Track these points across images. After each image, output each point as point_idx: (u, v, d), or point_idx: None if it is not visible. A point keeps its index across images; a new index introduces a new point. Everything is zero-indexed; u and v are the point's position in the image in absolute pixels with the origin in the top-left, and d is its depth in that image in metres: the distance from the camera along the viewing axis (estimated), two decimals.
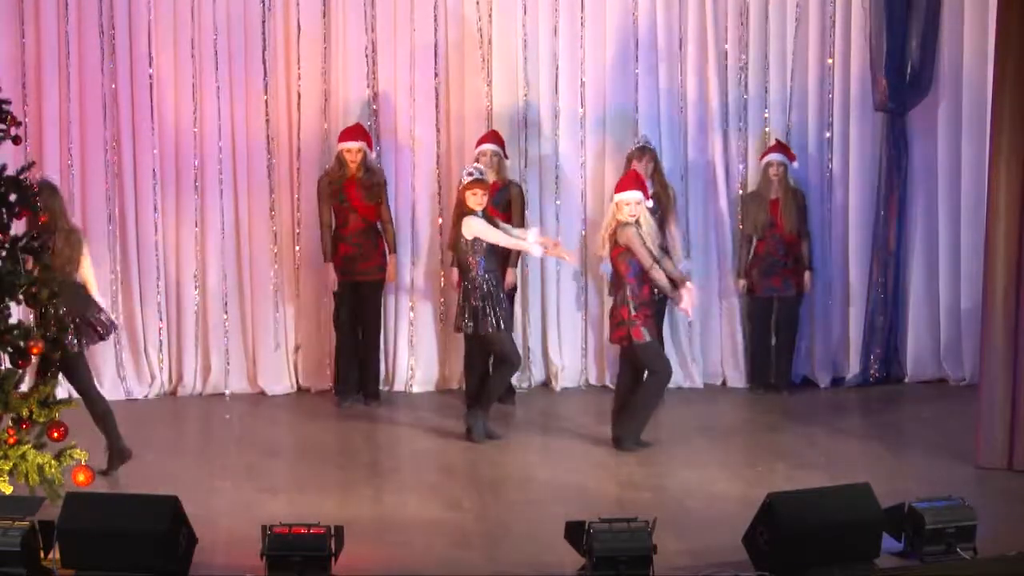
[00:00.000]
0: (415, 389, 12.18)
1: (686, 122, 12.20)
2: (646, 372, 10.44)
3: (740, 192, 12.21)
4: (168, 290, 11.98)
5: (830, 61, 12.19)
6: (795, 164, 11.98)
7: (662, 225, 11.58)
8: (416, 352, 12.18)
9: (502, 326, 10.61)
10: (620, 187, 10.43)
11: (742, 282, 12.08)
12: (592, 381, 12.33)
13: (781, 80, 12.23)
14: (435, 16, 11.96)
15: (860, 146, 12.21)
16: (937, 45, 12.11)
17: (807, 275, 12.00)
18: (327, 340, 12.03)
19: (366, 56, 11.97)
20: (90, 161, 11.78)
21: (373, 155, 11.69)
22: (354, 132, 11.53)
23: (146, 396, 11.94)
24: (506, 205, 11.50)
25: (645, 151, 11.63)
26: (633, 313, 10.25)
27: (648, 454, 10.46)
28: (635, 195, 10.29)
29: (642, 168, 11.50)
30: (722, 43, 12.18)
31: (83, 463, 8.99)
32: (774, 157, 11.89)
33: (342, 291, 11.61)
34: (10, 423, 8.98)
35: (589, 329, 12.27)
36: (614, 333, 10.42)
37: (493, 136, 11.67)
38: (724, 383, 12.36)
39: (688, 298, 10.34)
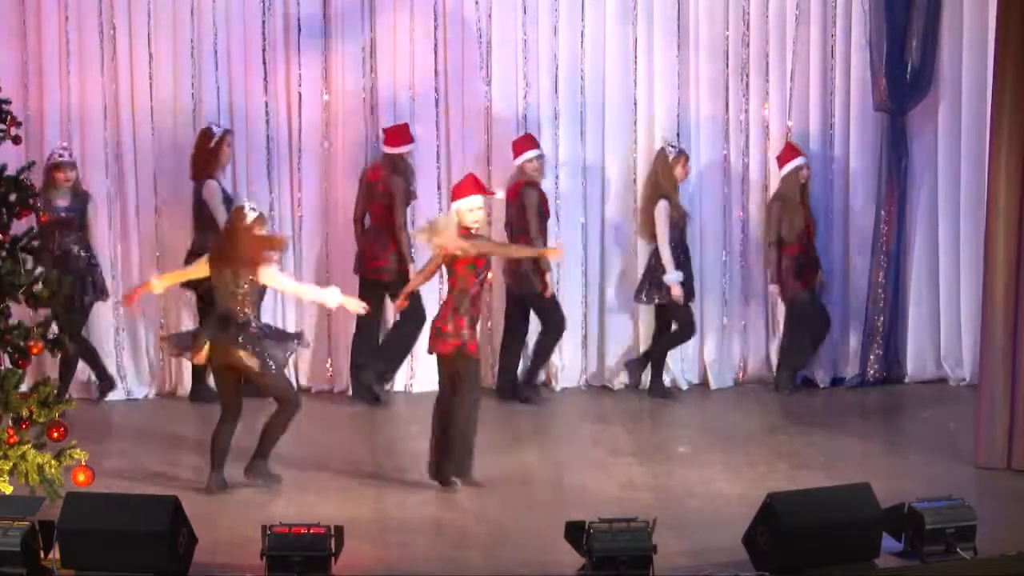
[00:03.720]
0: (415, 389, 12.17)
1: (687, 122, 12.20)
2: (462, 391, 9.67)
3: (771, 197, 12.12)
4: (169, 290, 11.93)
5: (830, 61, 12.19)
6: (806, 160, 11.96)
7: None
8: (416, 352, 12.17)
9: (271, 368, 9.60)
10: (461, 192, 9.69)
11: (774, 288, 12.00)
12: (592, 381, 12.32)
13: (781, 80, 12.22)
14: (435, 16, 11.95)
15: (860, 146, 12.21)
16: (937, 45, 12.10)
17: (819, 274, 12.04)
18: (327, 340, 12.04)
19: (366, 56, 11.97)
20: (90, 161, 11.78)
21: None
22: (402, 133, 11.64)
23: (146, 396, 11.94)
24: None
25: (683, 154, 11.68)
26: (470, 327, 9.57)
27: (648, 454, 10.47)
28: (479, 200, 9.66)
29: (681, 172, 11.61)
30: (722, 43, 12.18)
31: (83, 463, 9.00)
32: (804, 160, 11.86)
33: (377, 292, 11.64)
34: (10, 423, 8.99)
35: (589, 329, 12.26)
36: (445, 343, 9.55)
37: (532, 141, 11.71)
38: (717, 382, 12.37)
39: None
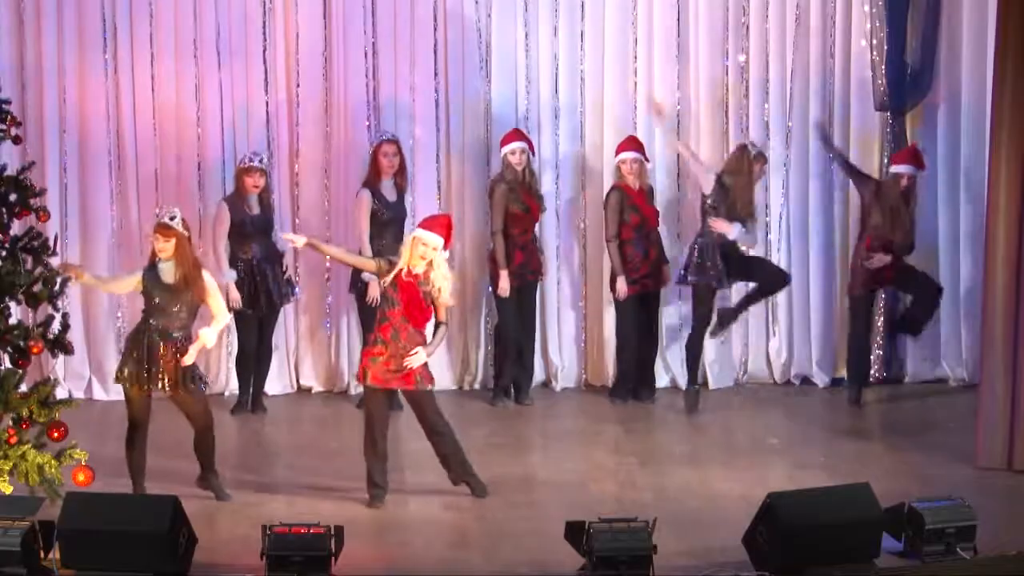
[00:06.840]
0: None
1: (687, 122, 12.20)
2: (436, 415, 9.47)
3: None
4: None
5: (830, 61, 12.20)
6: (923, 173, 11.78)
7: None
8: None
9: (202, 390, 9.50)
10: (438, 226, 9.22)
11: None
12: (592, 381, 12.32)
13: (781, 80, 12.22)
14: (435, 16, 11.96)
15: (860, 146, 12.21)
16: (937, 45, 12.11)
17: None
18: (327, 340, 12.04)
19: (366, 56, 11.97)
20: (91, 161, 11.78)
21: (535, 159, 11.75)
22: (516, 134, 11.58)
23: None
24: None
25: (762, 157, 11.55)
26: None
27: (648, 454, 10.47)
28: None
29: (757, 173, 11.50)
30: (722, 43, 12.18)
31: (83, 463, 9.00)
32: (903, 169, 11.60)
33: (512, 295, 11.59)
34: (10, 423, 8.99)
35: (589, 330, 12.25)
36: (409, 375, 9.34)
37: (634, 143, 11.64)
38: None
39: None
